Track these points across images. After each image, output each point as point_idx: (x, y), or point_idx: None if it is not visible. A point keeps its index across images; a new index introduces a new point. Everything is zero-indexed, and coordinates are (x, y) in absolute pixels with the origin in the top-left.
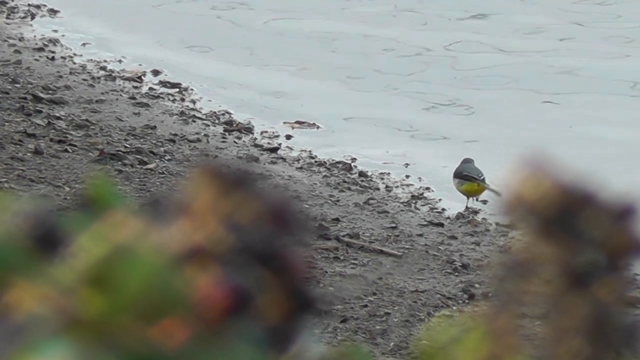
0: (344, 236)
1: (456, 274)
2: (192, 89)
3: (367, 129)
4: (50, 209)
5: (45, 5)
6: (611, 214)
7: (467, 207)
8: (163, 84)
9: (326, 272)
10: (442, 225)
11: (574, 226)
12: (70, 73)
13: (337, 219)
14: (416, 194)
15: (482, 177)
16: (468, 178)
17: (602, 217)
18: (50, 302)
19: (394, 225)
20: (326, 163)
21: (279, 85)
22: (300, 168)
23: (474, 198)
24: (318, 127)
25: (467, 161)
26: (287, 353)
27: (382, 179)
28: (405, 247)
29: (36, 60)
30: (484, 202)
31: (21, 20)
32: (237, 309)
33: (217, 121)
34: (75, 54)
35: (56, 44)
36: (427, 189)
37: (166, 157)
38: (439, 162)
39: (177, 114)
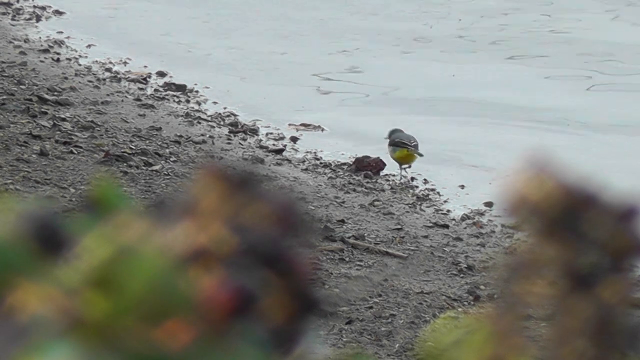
0: (349, 238)
1: (461, 275)
2: (197, 91)
3: (372, 130)
4: (55, 210)
5: (50, 7)
6: (615, 215)
7: (401, 176)
8: (168, 85)
9: (331, 273)
10: (447, 226)
11: (577, 227)
12: (76, 74)
13: (342, 221)
14: (421, 196)
15: (414, 144)
16: (400, 144)
17: (606, 218)
18: (55, 304)
19: (399, 226)
20: (331, 164)
21: (284, 86)
22: (306, 169)
23: (408, 166)
24: (322, 130)
25: (398, 130)
26: (292, 355)
27: (388, 180)
28: (410, 249)
29: (41, 61)
30: (489, 204)
31: (26, 21)
32: (242, 311)
33: (222, 123)
34: (80, 56)
35: (61, 45)
36: (432, 190)
37: (171, 159)
38: (444, 163)
39: (182, 116)
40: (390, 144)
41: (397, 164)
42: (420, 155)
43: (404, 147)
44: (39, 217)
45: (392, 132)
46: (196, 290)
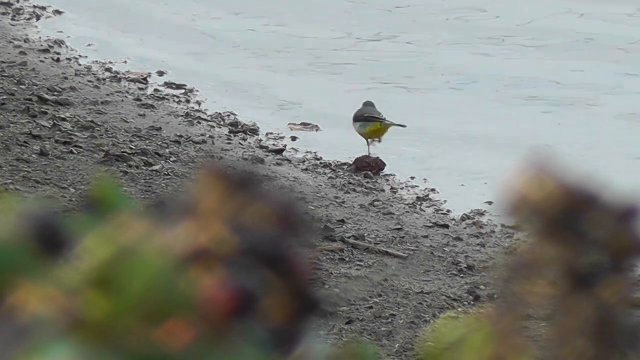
0: (349, 238)
1: (462, 275)
2: (197, 91)
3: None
4: (55, 210)
5: (50, 7)
6: (615, 215)
7: (369, 153)
8: (168, 85)
9: (332, 273)
10: (447, 226)
11: (578, 227)
12: (76, 75)
13: (342, 221)
14: (421, 196)
15: (383, 117)
16: (371, 119)
17: (606, 218)
18: (55, 304)
19: (399, 227)
20: (332, 165)
21: (284, 87)
22: (306, 170)
23: (377, 140)
24: (320, 130)
25: (368, 104)
26: (292, 355)
27: (388, 180)
28: (410, 249)
29: (42, 61)
30: (489, 203)
31: (26, 21)
32: (242, 311)
33: (222, 123)
34: (80, 56)
35: (61, 45)
36: (433, 190)
37: (172, 159)
38: (444, 163)
39: (182, 116)
40: (357, 120)
41: (365, 140)
42: (392, 124)
43: (376, 121)
44: (40, 217)
45: (364, 105)
46: (197, 290)
